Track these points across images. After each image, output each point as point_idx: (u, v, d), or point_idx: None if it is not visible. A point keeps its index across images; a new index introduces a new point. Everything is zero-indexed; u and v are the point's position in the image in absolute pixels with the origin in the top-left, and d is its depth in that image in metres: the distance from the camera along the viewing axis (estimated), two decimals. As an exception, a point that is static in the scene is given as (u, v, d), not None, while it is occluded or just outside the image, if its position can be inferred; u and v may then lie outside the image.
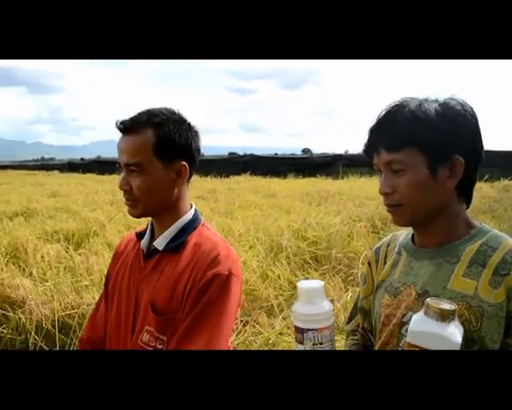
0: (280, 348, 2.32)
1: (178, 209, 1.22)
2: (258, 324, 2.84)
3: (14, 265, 4.12)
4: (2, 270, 3.88)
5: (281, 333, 2.53)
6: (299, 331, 0.88)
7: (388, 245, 1.14)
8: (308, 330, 0.86)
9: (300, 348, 0.88)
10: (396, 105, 0.97)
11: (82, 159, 40.97)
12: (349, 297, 3.23)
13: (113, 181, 19.23)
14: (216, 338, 1.09)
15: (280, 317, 2.88)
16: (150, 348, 1.14)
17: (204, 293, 1.10)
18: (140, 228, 1.34)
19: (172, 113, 1.21)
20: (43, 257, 4.31)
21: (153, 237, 1.25)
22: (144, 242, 1.24)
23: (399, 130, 0.93)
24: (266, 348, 2.35)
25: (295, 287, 2.74)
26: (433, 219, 0.97)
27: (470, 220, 1.00)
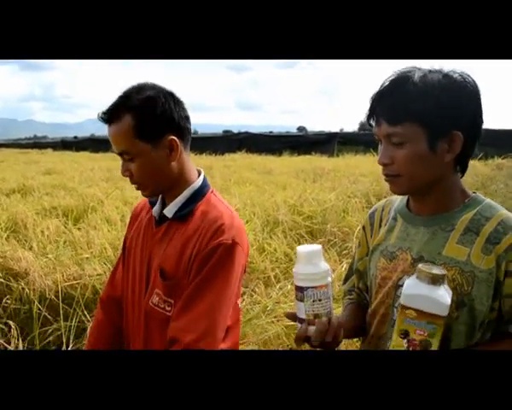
0: (277, 314, 2.41)
1: (185, 179, 1.24)
2: (255, 293, 2.93)
3: (14, 239, 4.17)
4: (2, 244, 3.94)
5: (277, 302, 2.63)
6: (300, 290, 0.95)
7: (383, 209, 1.18)
8: (308, 288, 0.94)
9: (301, 305, 0.96)
10: (400, 76, 0.98)
11: (75, 137, 40.63)
12: (343, 269, 3.32)
13: (107, 158, 19.16)
14: (218, 303, 1.15)
15: (277, 287, 2.97)
16: (160, 310, 1.21)
17: (208, 260, 1.14)
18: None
19: (147, 88, 1.18)
20: (42, 232, 4.36)
21: (164, 204, 1.28)
22: (156, 209, 1.28)
23: (402, 103, 0.95)
24: (264, 316, 2.44)
25: (291, 260, 2.82)
26: (430, 188, 1.01)
27: (465, 190, 1.04)
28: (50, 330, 2.85)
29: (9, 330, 2.72)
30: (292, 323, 2.36)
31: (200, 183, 1.26)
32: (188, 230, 1.20)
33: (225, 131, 32.90)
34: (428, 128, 0.94)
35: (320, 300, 0.94)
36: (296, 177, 8.56)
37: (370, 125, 1.02)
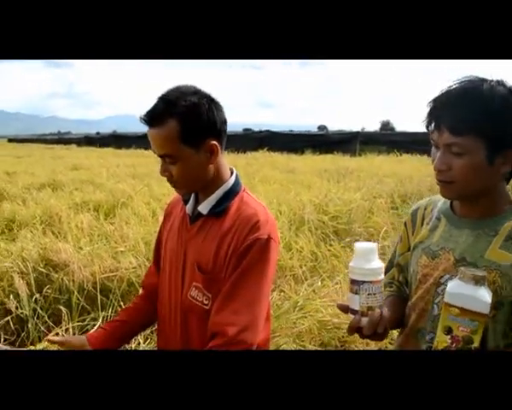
0: (308, 309, 2.49)
1: (219, 178, 1.28)
2: (283, 291, 3.01)
3: (50, 232, 4.34)
4: (39, 237, 4.11)
5: (307, 298, 2.70)
6: (356, 284, 1.03)
7: (425, 208, 1.24)
8: (364, 282, 1.02)
9: (355, 297, 1.04)
10: (466, 86, 1.00)
11: (97, 133, 41.31)
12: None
13: (130, 155, 19.46)
14: (257, 296, 1.20)
15: (305, 284, 3.04)
16: (198, 303, 1.26)
17: (245, 256, 1.18)
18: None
19: (190, 93, 1.20)
20: (76, 225, 4.52)
21: (197, 202, 1.33)
22: (189, 206, 1.32)
23: (468, 116, 0.97)
24: (294, 311, 2.52)
25: (317, 258, 2.89)
26: (479, 195, 1.06)
27: (510, 196, 1.09)
28: (88, 319, 2.99)
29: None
30: (324, 318, 2.45)
31: (233, 181, 1.29)
32: (223, 226, 1.23)
33: (245, 130, 32.95)
34: (490, 142, 0.97)
35: (374, 294, 1.02)
36: (319, 176, 8.59)
37: (429, 130, 1.06)
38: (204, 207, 1.28)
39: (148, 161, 13.69)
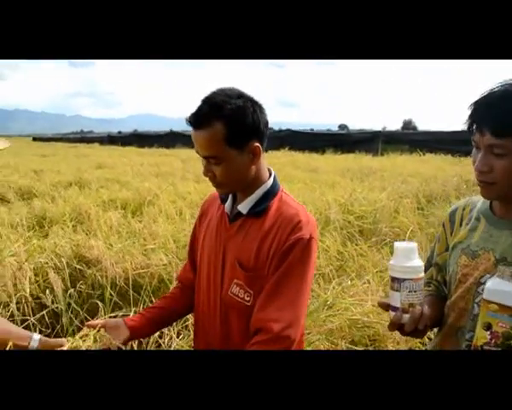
0: (338, 307, 2.51)
1: (259, 179, 1.32)
2: (312, 290, 3.03)
3: (80, 230, 4.45)
4: (70, 234, 4.22)
5: (336, 297, 2.72)
6: (397, 281, 1.07)
7: (464, 209, 1.26)
8: (405, 279, 1.05)
9: (396, 295, 1.07)
10: (508, 88, 1.02)
11: (119, 132, 41.89)
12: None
13: (153, 154, 19.71)
14: (299, 294, 1.23)
15: (333, 283, 3.06)
16: (239, 300, 1.29)
17: (288, 255, 1.21)
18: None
19: (235, 96, 1.23)
20: (105, 223, 4.62)
21: (235, 201, 1.36)
22: (228, 206, 1.36)
23: (509, 118, 0.99)
24: (324, 309, 2.55)
25: (343, 258, 2.90)
26: None
27: None
28: (120, 315, 3.06)
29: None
30: (354, 317, 2.47)
31: (271, 182, 1.33)
32: (264, 225, 1.27)
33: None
34: None
35: (415, 291, 1.05)
36: (342, 175, 8.58)
37: (471, 131, 1.08)
38: (244, 207, 1.31)
39: (171, 160, 13.87)
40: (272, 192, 1.32)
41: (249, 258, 1.27)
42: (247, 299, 1.28)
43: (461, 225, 1.25)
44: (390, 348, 2.40)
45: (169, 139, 27.40)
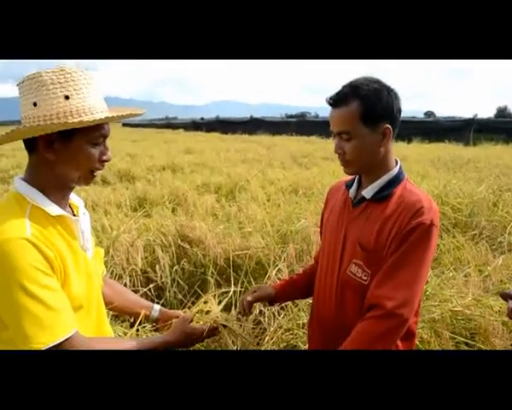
0: (439, 299, 2.51)
1: (385, 165, 1.38)
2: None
3: (180, 211, 4.76)
4: (170, 215, 4.53)
5: (437, 288, 2.71)
6: None
7: None
8: None
9: None
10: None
11: (202, 118, 43.13)
12: (499, 264, 3.26)
13: (236, 140, 20.16)
14: (416, 277, 1.28)
15: (431, 273, 3.03)
16: (357, 278, 1.37)
17: (408, 238, 1.26)
18: (348, 178, 1.55)
19: (373, 81, 1.33)
20: (201, 205, 4.90)
21: (359, 187, 1.45)
22: (352, 191, 1.45)
23: None
24: (424, 299, 2.56)
25: (441, 250, 2.84)
26: None
27: None
28: (220, 293, 3.26)
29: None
30: (455, 309, 2.46)
31: (397, 170, 1.39)
32: (386, 210, 1.33)
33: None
34: None
35: None
36: (432, 166, 8.27)
37: None
38: (368, 192, 1.39)
39: (256, 147, 14.13)
40: (397, 180, 1.38)
41: (370, 239, 1.34)
42: (365, 278, 1.35)
43: None
44: (492, 341, 2.37)
45: (251, 126, 27.84)
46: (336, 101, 1.33)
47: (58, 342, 1.05)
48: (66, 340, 1.06)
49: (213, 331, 1.45)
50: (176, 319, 1.44)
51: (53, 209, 1.12)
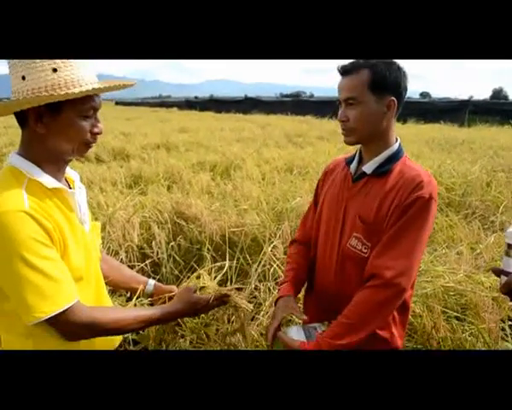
0: (431, 275, 2.56)
1: (386, 140, 1.42)
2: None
3: (175, 189, 4.76)
4: (166, 193, 4.53)
5: (429, 264, 2.76)
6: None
7: None
8: None
9: (510, 261, 1.14)
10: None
11: (196, 97, 42.80)
12: (491, 242, 3.31)
13: (230, 119, 20.03)
14: (414, 248, 1.31)
15: (424, 250, 3.08)
16: (357, 251, 1.41)
17: (407, 211, 1.31)
18: (348, 155, 1.58)
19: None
20: (197, 183, 4.90)
21: (360, 163, 1.48)
22: (353, 166, 1.48)
23: None
24: (419, 275, 2.60)
25: (433, 228, 2.84)
26: None
27: None
28: (216, 268, 3.29)
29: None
30: (447, 284, 2.51)
31: (397, 146, 1.43)
32: (386, 185, 1.37)
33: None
34: None
35: None
36: (427, 146, 8.30)
37: None
38: (369, 168, 1.43)
39: (250, 126, 14.06)
40: (397, 156, 1.42)
41: (370, 213, 1.38)
42: (365, 251, 1.40)
43: None
44: (482, 316, 2.42)
45: (246, 105, 27.65)
46: (348, 69, 1.37)
47: (60, 310, 1.07)
48: (69, 309, 1.09)
49: (219, 301, 1.45)
50: (181, 290, 1.46)
51: (49, 181, 1.12)
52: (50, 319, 1.06)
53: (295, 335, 1.39)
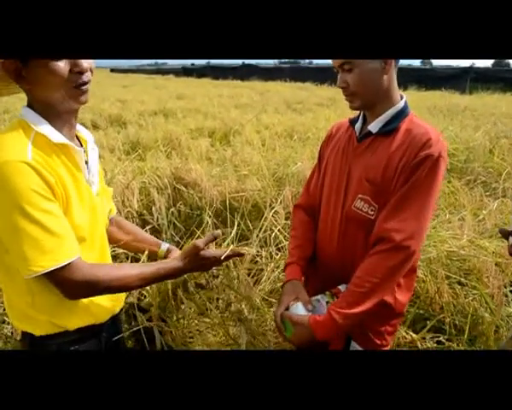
0: (434, 240, 2.54)
1: (390, 98, 1.35)
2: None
3: (174, 155, 4.69)
4: (165, 158, 4.47)
5: (433, 229, 2.73)
6: None
7: None
8: None
9: None
10: None
11: (192, 64, 42.18)
12: (494, 208, 3.29)
13: (228, 85, 19.75)
14: (424, 209, 1.26)
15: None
16: (363, 213, 1.36)
17: (416, 170, 1.25)
18: (352, 116, 1.52)
19: None
20: (196, 149, 4.83)
21: (364, 123, 1.42)
22: (358, 126, 1.42)
23: None
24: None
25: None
26: None
27: None
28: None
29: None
30: (450, 249, 2.49)
31: (403, 103, 1.36)
32: (393, 143, 1.31)
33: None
34: None
35: None
36: (428, 113, 8.20)
37: None
38: (374, 127, 1.36)
39: (248, 92, 13.87)
40: (403, 114, 1.35)
41: (377, 173, 1.32)
42: (371, 213, 1.35)
43: None
44: (484, 281, 2.41)
45: (243, 72, 27.22)
46: None
47: (59, 266, 1.04)
48: (68, 265, 1.05)
49: (229, 255, 1.38)
50: (187, 246, 1.40)
51: (56, 136, 1.09)
52: (49, 274, 1.03)
53: (301, 311, 1.35)
